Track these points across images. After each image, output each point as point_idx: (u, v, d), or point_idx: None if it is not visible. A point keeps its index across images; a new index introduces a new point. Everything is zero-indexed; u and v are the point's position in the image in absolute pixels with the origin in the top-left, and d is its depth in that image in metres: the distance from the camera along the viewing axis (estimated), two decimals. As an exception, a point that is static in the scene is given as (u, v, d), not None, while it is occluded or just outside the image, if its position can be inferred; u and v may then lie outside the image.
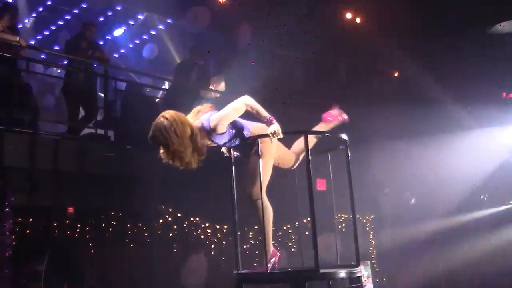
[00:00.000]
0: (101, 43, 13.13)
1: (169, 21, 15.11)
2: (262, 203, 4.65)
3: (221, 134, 4.73)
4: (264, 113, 4.62)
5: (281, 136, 4.54)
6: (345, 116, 5.44)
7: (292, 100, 11.00)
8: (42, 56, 12.72)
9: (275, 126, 4.53)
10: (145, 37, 15.83)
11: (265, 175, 4.78)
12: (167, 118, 4.53)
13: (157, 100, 12.11)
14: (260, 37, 12.11)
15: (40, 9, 14.77)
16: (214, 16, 12.81)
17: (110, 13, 14.76)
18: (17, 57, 8.67)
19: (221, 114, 4.66)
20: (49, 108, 12.38)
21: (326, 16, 13.11)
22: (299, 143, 5.20)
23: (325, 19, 12.98)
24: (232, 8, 12.74)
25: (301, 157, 5.16)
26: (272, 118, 4.59)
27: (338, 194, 5.34)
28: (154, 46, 15.43)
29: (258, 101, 4.70)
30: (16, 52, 8.58)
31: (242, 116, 4.81)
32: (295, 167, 5.29)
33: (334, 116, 5.38)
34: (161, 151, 4.62)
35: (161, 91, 12.46)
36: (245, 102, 4.63)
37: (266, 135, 4.58)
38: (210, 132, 4.68)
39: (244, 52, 12.20)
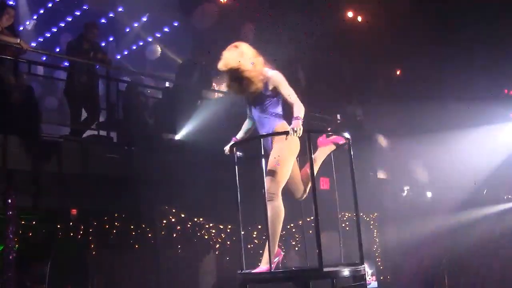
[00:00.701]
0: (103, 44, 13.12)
1: (175, 24, 15.11)
2: (266, 203, 4.63)
3: (265, 90, 4.85)
4: (298, 112, 4.67)
5: (300, 134, 4.51)
6: (339, 140, 5.29)
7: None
8: (43, 58, 12.70)
9: (297, 124, 4.53)
10: (149, 39, 15.84)
11: (284, 173, 4.77)
12: (239, 47, 4.85)
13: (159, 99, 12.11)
14: (262, 36, 12.10)
15: (42, 11, 14.79)
16: (217, 16, 12.82)
17: (112, 15, 14.78)
18: (19, 59, 8.64)
19: (283, 80, 4.85)
20: (51, 110, 12.38)
21: (329, 15, 13.11)
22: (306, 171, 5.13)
23: (328, 18, 12.97)
24: (234, 8, 12.75)
25: (308, 188, 5.11)
26: (300, 118, 4.60)
27: (341, 192, 5.32)
28: (157, 47, 15.43)
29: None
30: (16, 54, 8.54)
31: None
32: (303, 198, 5.22)
33: (328, 140, 5.29)
34: (228, 81, 4.90)
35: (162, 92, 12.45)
36: (300, 102, 4.76)
37: (285, 132, 4.59)
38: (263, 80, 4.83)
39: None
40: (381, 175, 13.31)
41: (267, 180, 4.70)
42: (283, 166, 4.74)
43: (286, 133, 4.55)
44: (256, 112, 4.97)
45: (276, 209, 4.69)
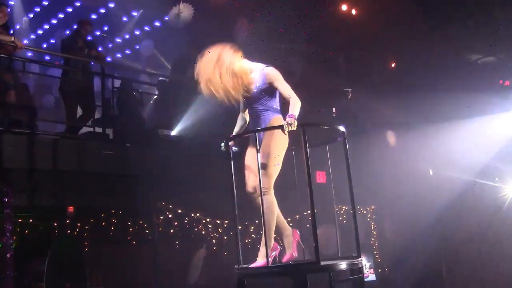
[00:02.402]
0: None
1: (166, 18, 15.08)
2: (261, 197, 4.64)
3: (262, 85, 4.91)
4: (292, 109, 4.68)
5: (295, 129, 4.51)
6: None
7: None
8: (28, 54, 12.64)
9: (292, 120, 4.52)
10: (137, 32, 15.78)
11: (275, 167, 4.81)
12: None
13: (155, 97, 12.10)
14: (257, 30, 12.08)
15: (37, 9, 14.72)
16: (211, 11, 12.78)
17: (103, 10, 14.74)
18: (13, 57, 8.61)
19: (279, 75, 4.92)
20: (47, 107, 12.36)
21: (323, 7, 13.09)
22: None
23: (322, 10, 12.96)
24: (229, 3, 12.72)
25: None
26: (293, 116, 4.59)
27: (338, 186, 5.33)
28: (150, 43, 15.40)
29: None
30: (11, 52, 8.50)
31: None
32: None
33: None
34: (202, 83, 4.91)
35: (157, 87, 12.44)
36: (296, 97, 4.80)
37: (279, 127, 4.59)
38: (258, 79, 4.93)
39: (242, 46, 12.15)
40: (377, 167, 13.30)
41: (256, 175, 4.72)
42: (273, 160, 4.78)
43: (281, 127, 4.56)
44: (253, 107, 4.99)
45: (269, 203, 4.73)
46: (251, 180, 4.88)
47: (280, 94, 4.95)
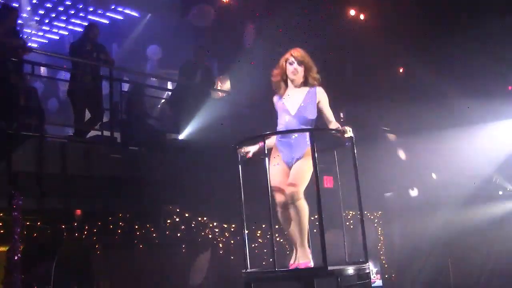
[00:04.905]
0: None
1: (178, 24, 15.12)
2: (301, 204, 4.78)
3: (312, 101, 5.14)
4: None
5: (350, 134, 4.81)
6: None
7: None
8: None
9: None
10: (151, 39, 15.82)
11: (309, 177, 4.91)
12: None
13: (163, 101, 12.14)
14: (264, 35, 12.09)
15: (42, 11, 14.80)
16: (218, 16, 12.82)
17: (113, 14, 14.80)
18: (23, 60, 8.64)
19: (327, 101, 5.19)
20: (55, 111, 12.40)
21: (331, 12, 13.10)
22: None
23: (330, 15, 12.97)
24: (235, 7, 12.75)
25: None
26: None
27: (345, 191, 5.32)
28: (158, 47, 15.43)
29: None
30: (20, 55, 8.54)
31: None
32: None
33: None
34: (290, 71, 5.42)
35: (166, 92, 12.47)
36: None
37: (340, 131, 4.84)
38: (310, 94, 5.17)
39: (249, 51, 12.18)
40: (385, 173, 13.29)
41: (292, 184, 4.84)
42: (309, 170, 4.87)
43: (341, 131, 4.81)
44: (295, 121, 5.09)
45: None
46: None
47: (323, 116, 5.19)
